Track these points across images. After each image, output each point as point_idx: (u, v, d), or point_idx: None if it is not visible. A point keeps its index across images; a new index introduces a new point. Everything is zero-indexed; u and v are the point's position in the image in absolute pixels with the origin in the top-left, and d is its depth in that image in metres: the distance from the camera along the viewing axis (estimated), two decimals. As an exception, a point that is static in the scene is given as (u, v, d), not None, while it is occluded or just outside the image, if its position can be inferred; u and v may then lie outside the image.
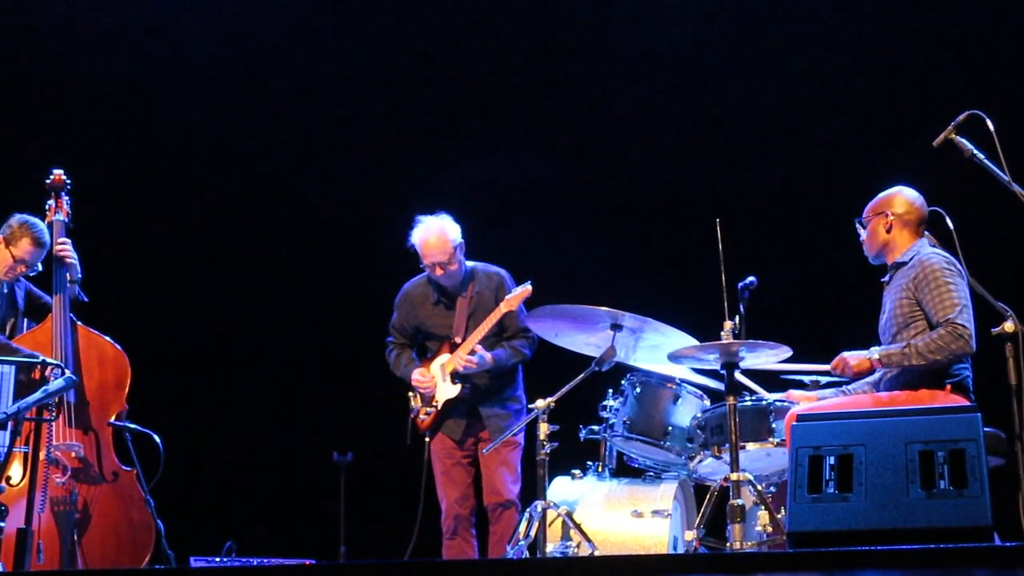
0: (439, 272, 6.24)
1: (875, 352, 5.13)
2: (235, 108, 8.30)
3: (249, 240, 8.35)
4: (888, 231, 5.31)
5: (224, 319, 8.25)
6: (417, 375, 6.29)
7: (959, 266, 5.10)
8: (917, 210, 5.31)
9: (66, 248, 5.92)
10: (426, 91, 8.36)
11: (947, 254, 5.16)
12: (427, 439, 6.34)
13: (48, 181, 6.07)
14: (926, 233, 5.26)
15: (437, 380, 6.26)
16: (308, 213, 8.43)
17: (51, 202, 6.04)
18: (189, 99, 8.32)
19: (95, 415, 5.78)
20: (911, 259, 5.20)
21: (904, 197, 5.34)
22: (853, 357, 5.19)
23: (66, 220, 6.01)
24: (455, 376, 6.21)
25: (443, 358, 6.28)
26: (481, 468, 6.28)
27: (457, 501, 6.24)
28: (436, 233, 6.23)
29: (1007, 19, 7.40)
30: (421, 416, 6.30)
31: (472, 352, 6.14)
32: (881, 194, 5.39)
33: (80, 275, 5.96)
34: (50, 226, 5.97)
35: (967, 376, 5.14)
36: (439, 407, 6.26)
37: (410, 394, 6.36)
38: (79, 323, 5.90)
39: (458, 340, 6.24)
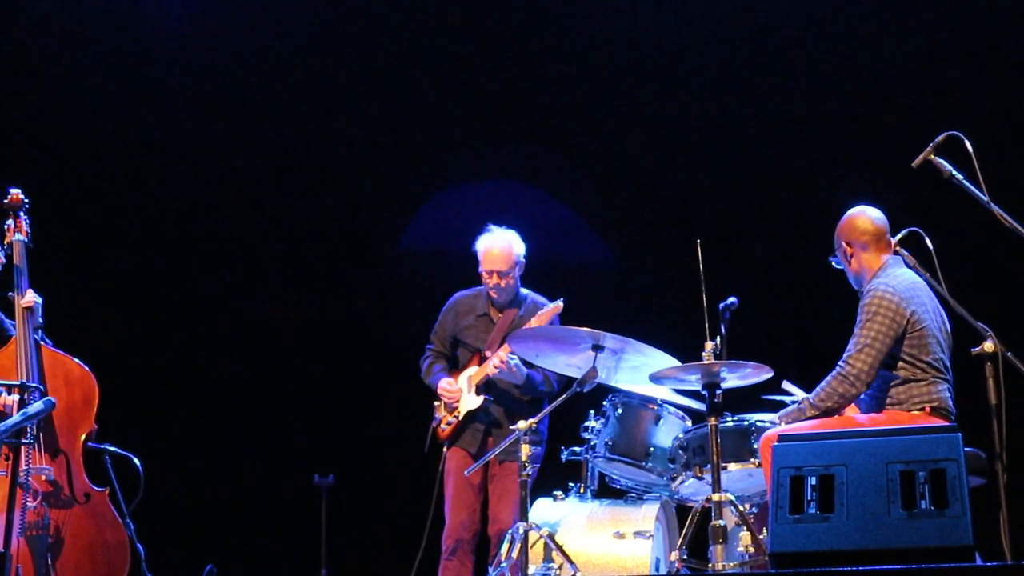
0: (495, 280, 6.25)
1: (778, 415, 5.30)
2: (210, 116, 8.27)
3: (230, 259, 8.32)
4: (851, 260, 5.34)
5: (204, 340, 8.21)
6: (444, 384, 6.29)
7: (895, 298, 5.06)
8: (871, 229, 5.30)
9: (30, 299, 5.82)
10: (403, 115, 8.36)
11: (892, 285, 5.11)
12: (444, 449, 6.32)
13: (5, 201, 5.97)
14: (904, 252, 5.24)
15: (463, 391, 6.25)
16: (288, 234, 8.41)
17: (9, 222, 5.95)
18: (166, 107, 8.27)
19: (64, 437, 5.72)
20: (865, 290, 5.23)
21: (854, 222, 5.34)
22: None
23: (26, 240, 5.91)
24: (480, 388, 6.21)
25: (471, 370, 6.28)
26: (488, 494, 6.26)
27: (462, 523, 6.21)
28: (502, 242, 6.28)
29: (986, 40, 7.45)
30: (443, 426, 6.29)
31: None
32: (838, 225, 5.40)
33: (41, 321, 5.87)
34: (9, 247, 5.90)
35: (947, 398, 5.14)
36: (460, 418, 6.25)
37: (436, 403, 6.35)
38: (43, 343, 5.83)
39: (488, 354, 6.23)
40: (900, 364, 5.10)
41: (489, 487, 6.24)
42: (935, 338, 5.14)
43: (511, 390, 6.26)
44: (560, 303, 6.12)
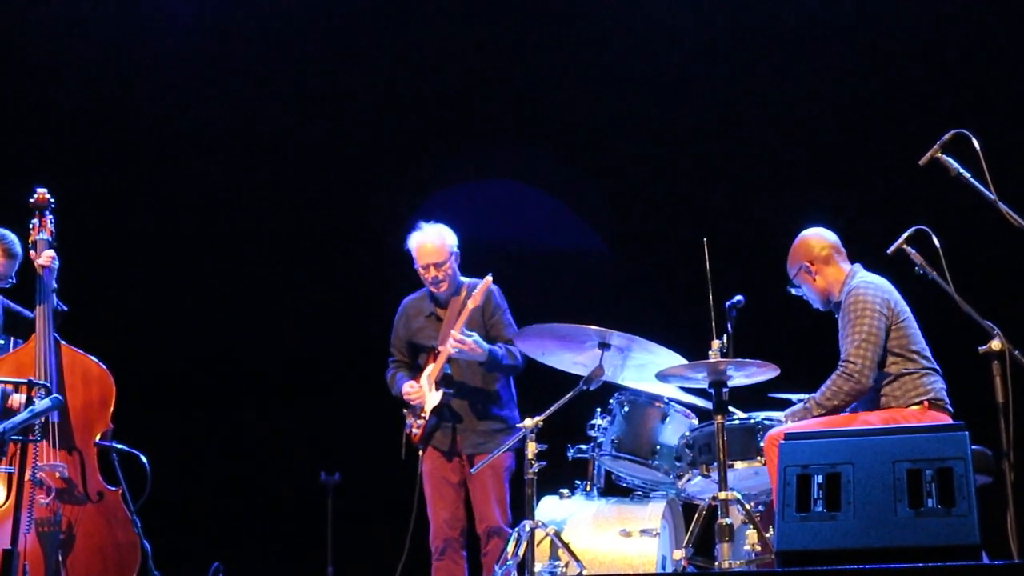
0: (432, 273, 6.24)
1: (784, 413, 5.35)
2: (214, 117, 8.29)
3: (236, 259, 8.33)
4: (816, 278, 5.46)
5: (211, 339, 8.22)
6: (406, 387, 6.28)
7: (878, 293, 5.20)
8: (828, 244, 5.48)
9: (48, 256, 5.88)
10: (408, 106, 8.37)
11: (869, 283, 5.27)
12: (420, 452, 6.31)
13: (32, 200, 6.03)
14: (911, 251, 5.23)
15: (424, 390, 6.25)
16: (295, 232, 8.41)
17: (35, 221, 6.01)
18: (180, 112, 8.30)
19: (79, 435, 5.74)
20: (843, 297, 5.33)
21: (809, 242, 5.51)
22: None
23: (50, 239, 5.98)
24: (439, 383, 6.21)
25: (429, 368, 6.26)
26: (469, 492, 6.25)
27: (446, 522, 6.18)
28: (434, 236, 6.28)
29: (993, 39, 7.43)
30: (414, 430, 6.28)
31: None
32: (790, 252, 5.55)
33: (55, 285, 5.91)
34: (34, 245, 5.95)
35: (940, 389, 5.18)
36: (427, 417, 6.24)
37: (405, 411, 6.34)
38: (63, 342, 5.87)
39: (441, 348, 6.24)
40: (891, 359, 5.20)
41: (468, 485, 6.22)
42: (917, 329, 5.26)
43: (471, 380, 6.23)
44: (489, 277, 6.10)
